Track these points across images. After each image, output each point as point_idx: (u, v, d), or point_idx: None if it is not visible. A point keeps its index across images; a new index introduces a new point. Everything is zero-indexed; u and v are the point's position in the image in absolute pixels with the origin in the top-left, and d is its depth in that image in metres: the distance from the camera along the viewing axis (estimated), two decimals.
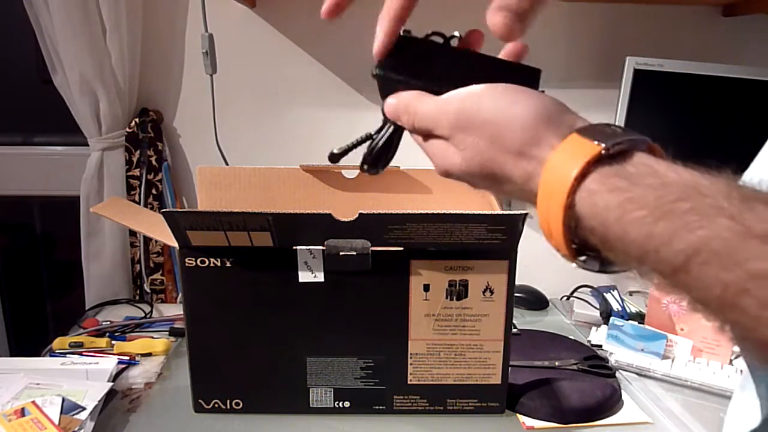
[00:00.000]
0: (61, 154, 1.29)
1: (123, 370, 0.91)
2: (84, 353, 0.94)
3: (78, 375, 0.84)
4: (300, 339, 0.77)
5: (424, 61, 0.42)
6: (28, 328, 1.47)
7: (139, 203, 1.20)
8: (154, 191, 1.22)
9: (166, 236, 0.73)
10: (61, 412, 0.73)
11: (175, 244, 0.73)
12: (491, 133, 0.35)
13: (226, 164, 1.20)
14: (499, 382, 0.79)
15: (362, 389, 0.79)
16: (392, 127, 0.44)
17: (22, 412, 0.72)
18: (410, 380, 0.79)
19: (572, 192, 0.31)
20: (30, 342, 1.44)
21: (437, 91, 0.39)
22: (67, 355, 0.93)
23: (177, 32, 1.21)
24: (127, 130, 1.18)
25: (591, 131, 0.33)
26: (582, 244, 0.33)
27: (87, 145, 1.18)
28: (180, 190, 1.28)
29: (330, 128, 1.23)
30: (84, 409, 0.74)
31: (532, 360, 0.90)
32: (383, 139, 0.45)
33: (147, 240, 1.23)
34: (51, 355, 0.95)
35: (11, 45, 1.31)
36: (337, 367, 0.78)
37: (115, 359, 0.89)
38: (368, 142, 0.46)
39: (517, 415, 0.81)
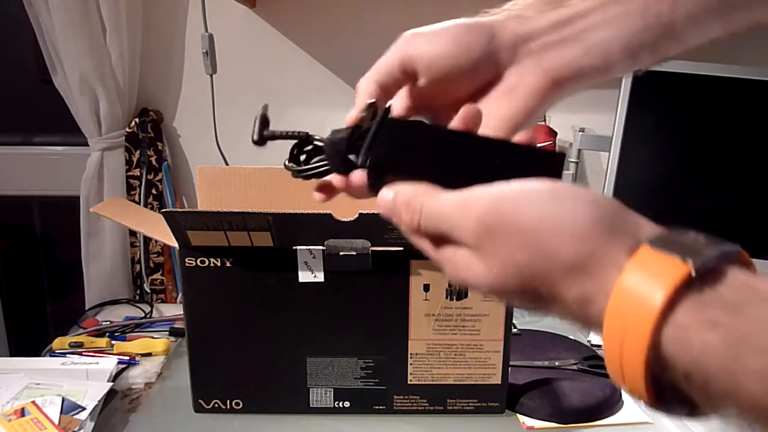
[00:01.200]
0: (61, 154, 1.29)
1: (123, 370, 0.91)
2: (84, 353, 0.94)
3: (78, 375, 0.84)
4: (300, 339, 0.77)
5: (423, 148, 0.34)
6: (28, 328, 1.47)
7: (139, 203, 1.20)
8: (154, 191, 1.22)
9: (166, 236, 0.73)
10: (61, 412, 0.73)
11: (175, 244, 0.73)
12: (534, 244, 0.28)
13: (226, 164, 1.20)
14: (499, 382, 0.79)
15: (362, 389, 0.79)
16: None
17: (22, 412, 0.72)
18: (410, 380, 0.79)
19: (657, 328, 0.24)
20: (30, 342, 1.44)
21: (446, 186, 0.32)
22: (67, 355, 0.93)
23: (177, 32, 1.21)
24: (127, 130, 1.18)
25: (667, 243, 0.26)
26: (667, 388, 0.26)
27: (87, 145, 1.18)
28: (180, 190, 1.28)
29: (330, 128, 1.22)
30: (84, 409, 0.74)
31: (532, 360, 0.90)
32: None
33: (147, 240, 1.23)
34: (51, 355, 0.95)
35: (11, 45, 1.31)
36: (337, 367, 0.78)
37: (115, 359, 0.89)
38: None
39: (517, 415, 0.81)
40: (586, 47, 0.35)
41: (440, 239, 0.32)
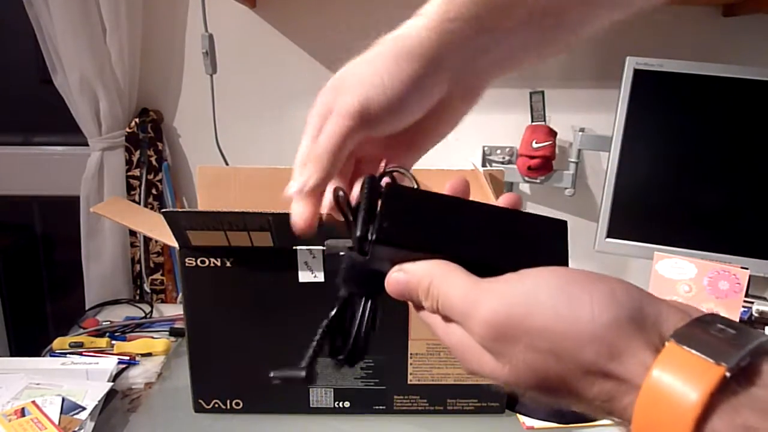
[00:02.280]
0: (61, 154, 1.29)
1: (123, 370, 0.91)
2: (84, 353, 0.94)
3: (78, 375, 0.84)
4: (300, 339, 0.77)
5: (427, 217, 0.31)
6: (28, 328, 1.47)
7: (139, 203, 1.20)
8: (154, 191, 1.22)
9: (166, 236, 0.73)
10: (61, 412, 0.73)
11: (175, 244, 0.73)
12: (551, 345, 0.26)
13: (226, 164, 1.20)
14: None
15: (362, 389, 0.79)
16: (370, 301, 0.34)
17: (22, 412, 0.72)
18: (410, 380, 0.79)
19: None
20: (30, 342, 1.44)
21: (454, 258, 0.30)
22: (67, 355, 0.93)
23: (177, 32, 1.21)
24: (127, 130, 1.18)
25: (695, 339, 0.24)
26: None
27: (87, 145, 1.18)
28: (180, 190, 1.28)
29: None
30: (84, 409, 0.74)
31: None
32: (366, 320, 0.34)
33: (147, 240, 1.23)
34: (51, 355, 0.95)
35: (11, 45, 1.31)
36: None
37: (115, 359, 0.89)
38: (332, 333, 0.35)
39: (517, 415, 0.81)
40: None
41: (451, 321, 0.31)
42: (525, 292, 0.27)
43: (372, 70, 0.35)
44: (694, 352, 0.24)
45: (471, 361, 0.30)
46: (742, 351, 0.23)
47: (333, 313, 0.35)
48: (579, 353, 0.25)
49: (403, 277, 0.31)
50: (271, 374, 0.34)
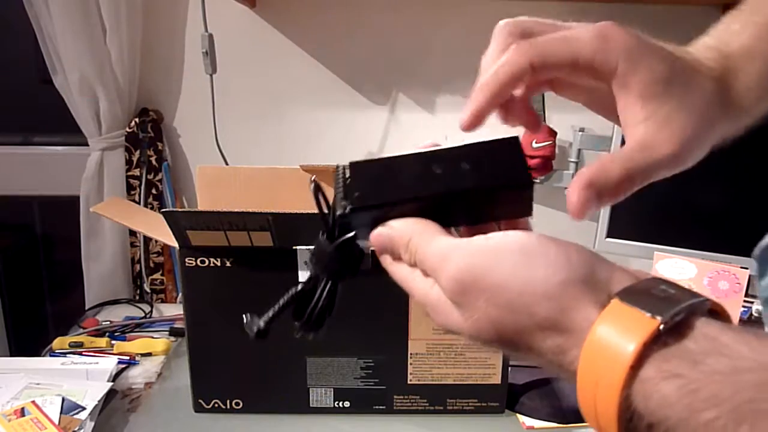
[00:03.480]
0: (61, 154, 1.29)
1: (123, 370, 0.91)
2: (84, 353, 0.94)
3: (78, 375, 0.84)
4: (300, 339, 0.77)
5: (394, 178, 0.34)
6: (28, 328, 1.47)
7: (139, 203, 1.20)
8: (154, 191, 1.22)
9: (166, 236, 0.73)
10: (61, 412, 0.73)
11: (175, 244, 0.73)
12: (508, 300, 0.29)
13: (226, 164, 1.20)
14: (499, 382, 0.79)
15: (362, 389, 0.79)
16: (330, 282, 0.38)
17: (22, 412, 0.72)
18: (410, 380, 0.79)
19: (627, 383, 0.25)
20: (30, 342, 1.44)
21: (420, 205, 0.33)
22: (67, 355, 0.93)
23: (177, 32, 1.21)
24: (127, 130, 1.18)
25: (637, 296, 0.26)
26: None
27: (87, 145, 1.18)
28: (180, 190, 1.28)
29: (330, 128, 1.23)
30: (84, 409, 0.74)
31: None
32: (323, 298, 0.38)
33: (147, 240, 1.23)
34: (51, 355, 0.95)
35: (11, 45, 1.31)
36: (337, 367, 0.78)
37: (115, 359, 0.89)
38: (298, 301, 0.39)
39: (517, 415, 0.81)
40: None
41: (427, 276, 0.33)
42: (489, 251, 0.30)
43: None
44: (633, 307, 0.26)
45: (440, 314, 0.32)
46: (676, 307, 0.25)
47: (300, 285, 0.39)
48: (533, 309, 0.28)
49: (387, 231, 0.34)
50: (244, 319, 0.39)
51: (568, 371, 0.28)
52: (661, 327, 0.25)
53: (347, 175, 0.35)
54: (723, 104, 0.35)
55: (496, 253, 0.30)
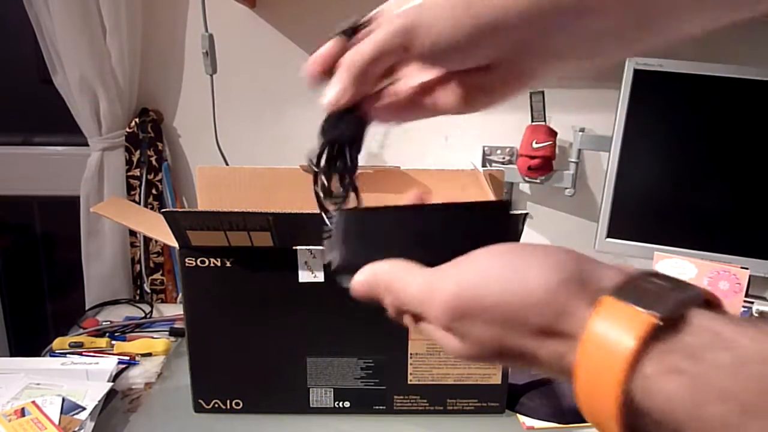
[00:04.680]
0: (61, 154, 1.29)
1: (123, 370, 0.91)
2: (84, 353, 0.94)
3: (78, 375, 0.84)
4: (300, 339, 0.77)
5: (379, 233, 0.34)
6: (28, 328, 1.47)
7: (139, 203, 1.20)
8: (154, 191, 1.22)
9: (166, 236, 0.73)
10: (61, 412, 0.73)
11: (175, 244, 0.73)
12: (503, 317, 0.28)
13: (226, 164, 1.20)
14: (499, 382, 0.79)
15: (362, 389, 0.79)
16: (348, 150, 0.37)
17: (22, 412, 0.72)
18: (410, 380, 0.79)
19: (627, 381, 0.24)
20: (30, 342, 1.44)
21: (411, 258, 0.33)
22: (67, 355, 0.93)
23: (177, 32, 1.21)
24: (127, 130, 1.18)
25: (630, 292, 0.26)
26: None
27: (87, 145, 1.18)
28: (180, 190, 1.28)
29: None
30: (84, 409, 0.74)
31: None
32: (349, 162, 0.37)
33: (147, 240, 1.23)
34: (51, 355, 0.95)
35: (11, 45, 1.31)
36: (337, 367, 0.78)
37: (115, 359, 0.89)
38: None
39: (517, 415, 0.81)
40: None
41: (419, 318, 0.32)
42: (475, 273, 0.29)
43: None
44: (628, 303, 0.25)
45: (440, 343, 0.32)
46: (672, 300, 0.25)
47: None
48: (529, 318, 0.28)
49: (364, 278, 0.34)
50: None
51: (570, 374, 0.27)
52: (658, 322, 0.24)
53: (332, 225, 0.35)
54: None
55: (482, 273, 0.29)
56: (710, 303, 0.27)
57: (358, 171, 0.37)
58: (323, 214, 0.37)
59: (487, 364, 0.30)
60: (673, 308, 0.25)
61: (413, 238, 0.34)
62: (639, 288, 0.26)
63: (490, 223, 0.33)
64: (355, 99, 0.35)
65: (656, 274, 0.27)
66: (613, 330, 0.25)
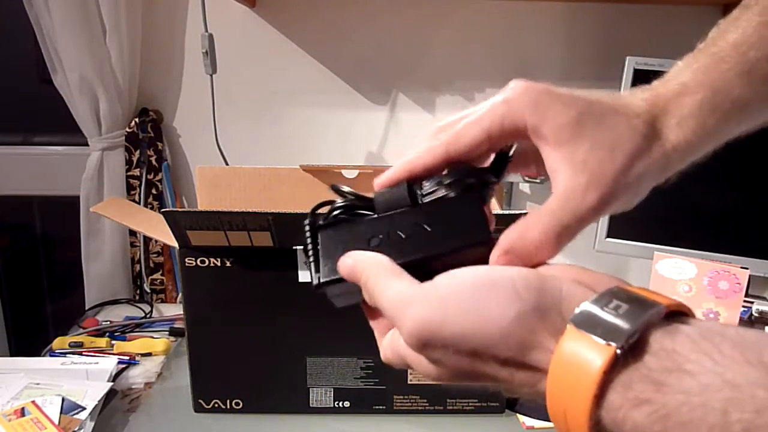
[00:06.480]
0: (61, 154, 1.29)
1: (123, 370, 0.91)
2: (84, 353, 0.94)
3: (78, 375, 0.84)
4: (300, 339, 0.77)
5: (357, 245, 0.35)
6: (28, 328, 1.47)
7: (139, 203, 1.20)
8: (154, 191, 1.22)
9: (166, 236, 0.73)
10: (61, 412, 0.73)
11: (175, 244, 0.73)
12: (471, 348, 0.28)
13: (226, 164, 1.20)
14: None
15: (362, 389, 0.79)
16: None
17: (22, 412, 0.72)
18: (410, 380, 0.79)
19: (592, 415, 0.25)
20: (30, 342, 1.44)
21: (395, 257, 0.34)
22: (67, 355, 0.93)
23: (177, 32, 1.21)
24: (127, 130, 1.18)
25: (589, 320, 0.26)
26: None
27: (87, 145, 1.18)
28: (180, 190, 1.28)
29: (330, 128, 1.23)
30: (84, 409, 0.74)
31: None
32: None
33: (147, 240, 1.23)
34: (51, 355, 0.95)
35: (11, 45, 1.31)
36: (337, 367, 0.78)
37: (115, 359, 0.89)
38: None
39: (517, 415, 0.81)
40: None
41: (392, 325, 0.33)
42: (439, 301, 0.29)
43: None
44: (587, 333, 0.25)
45: (412, 365, 0.32)
46: (631, 328, 0.25)
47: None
48: (495, 351, 0.28)
49: (350, 262, 0.34)
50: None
51: (545, 400, 0.27)
52: (618, 352, 0.24)
53: (315, 240, 0.37)
54: (648, 139, 0.33)
55: (445, 301, 0.29)
56: (677, 313, 0.27)
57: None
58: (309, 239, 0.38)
59: (459, 383, 0.31)
60: (632, 336, 0.25)
61: (394, 244, 0.35)
62: (599, 314, 0.26)
63: (464, 214, 0.34)
64: None
65: (620, 291, 0.27)
66: (575, 363, 0.25)
